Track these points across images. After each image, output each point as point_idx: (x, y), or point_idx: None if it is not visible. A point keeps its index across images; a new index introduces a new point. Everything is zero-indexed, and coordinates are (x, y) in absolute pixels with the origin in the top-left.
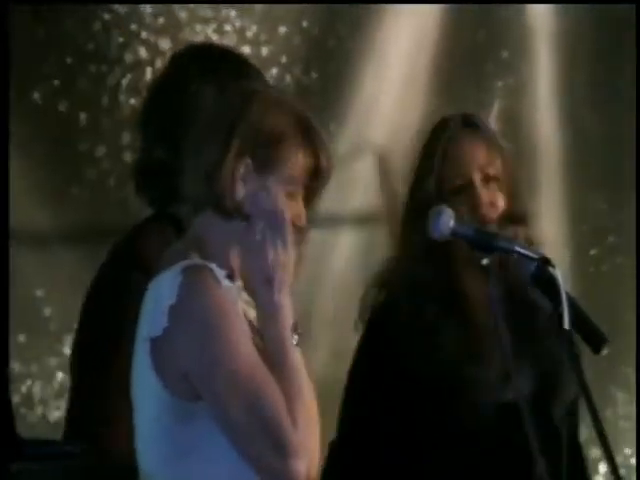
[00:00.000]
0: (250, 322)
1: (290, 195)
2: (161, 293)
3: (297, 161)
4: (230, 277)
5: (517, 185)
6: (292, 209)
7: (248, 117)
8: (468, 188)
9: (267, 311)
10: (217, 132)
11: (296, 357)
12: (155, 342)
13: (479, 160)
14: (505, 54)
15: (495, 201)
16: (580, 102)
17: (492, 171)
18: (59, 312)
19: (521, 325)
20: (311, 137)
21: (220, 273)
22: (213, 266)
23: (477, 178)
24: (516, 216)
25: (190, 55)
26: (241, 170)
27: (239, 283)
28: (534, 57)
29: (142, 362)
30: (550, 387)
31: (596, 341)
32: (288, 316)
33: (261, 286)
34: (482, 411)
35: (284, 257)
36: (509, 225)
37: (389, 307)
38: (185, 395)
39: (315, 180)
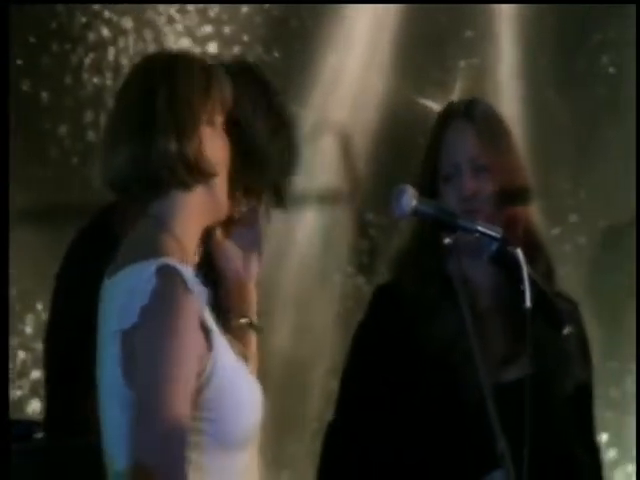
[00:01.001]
0: (207, 329)
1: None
2: (133, 289)
3: (216, 96)
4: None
5: (516, 168)
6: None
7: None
8: (457, 177)
9: None
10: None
11: None
12: (125, 336)
13: (469, 150)
14: (468, 34)
15: (482, 191)
16: (543, 82)
17: (483, 161)
18: (22, 292)
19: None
20: (212, 72)
21: (192, 279)
22: (187, 271)
23: (466, 167)
24: (510, 196)
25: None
26: (204, 135)
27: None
28: (497, 37)
29: (110, 355)
30: (550, 370)
31: (557, 321)
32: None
33: None
34: (479, 392)
35: None
36: (506, 206)
37: (391, 289)
38: None
39: None
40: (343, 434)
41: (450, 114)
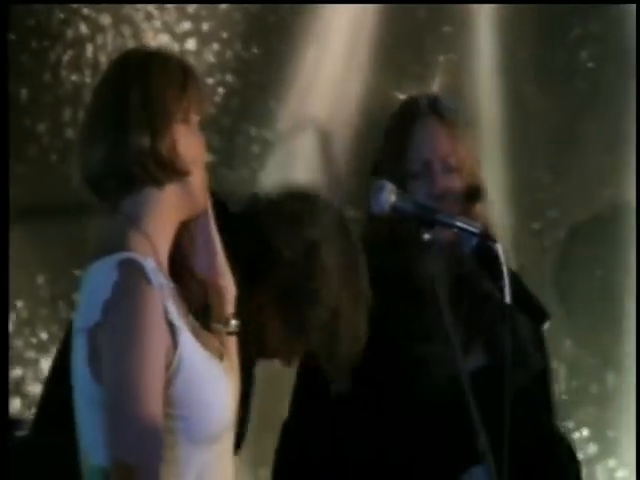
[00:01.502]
0: (172, 324)
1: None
2: (96, 285)
3: (191, 94)
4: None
5: (475, 165)
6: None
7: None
8: (427, 174)
9: None
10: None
11: None
12: (89, 334)
13: (441, 149)
14: (447, 29)
15: (452, 189)
16: (522, 77)
17: (453, 160)
18: None
19: (476, 301)
20: (187, 70)
21: (154, 272)
22: (148, 263)
23: (437, 166)
24: (473, 194)
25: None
26: (178, 133)
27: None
28: (476, 32)
29: (79, 354)
30: (507, 359)
31: (538, 315)
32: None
33: None
34: (436, 384)
35: None
36: (469, 204)
37: None
38: None
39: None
40: (295, 433)
41: (416, 109)
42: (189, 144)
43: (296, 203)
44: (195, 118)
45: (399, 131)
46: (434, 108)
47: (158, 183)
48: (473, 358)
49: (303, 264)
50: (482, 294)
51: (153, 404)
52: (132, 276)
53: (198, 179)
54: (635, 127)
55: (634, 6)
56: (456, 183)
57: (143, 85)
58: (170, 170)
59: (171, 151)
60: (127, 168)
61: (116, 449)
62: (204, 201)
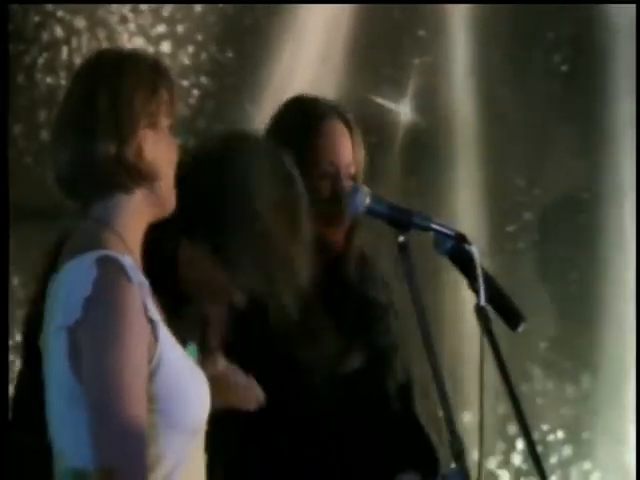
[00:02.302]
0: (151, 320)
1: (170, 128)
2: (75, 282)
3: (166, 96)
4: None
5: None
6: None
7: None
8: (333, 177)
9: None
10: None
11: None
12: (69, 332)
13: (346, 156)
14: (422, 32)
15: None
16: (496, 79)
17: (352, 170)
18: None
19: (354, 310)
20: (164, 69)
21: (133, 269)
22: (126, 261)
23: (343, 171)
24: None
25: None
26: (145, 138)
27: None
28: (451, 35)
29: (57, 351)
30: (382, 364)
31: (513, 318)
32: None
33: None
34: (321, 385)
35: None
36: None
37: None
38: None
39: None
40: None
41: (323, 111)
42: (157, 149)
43: (231, 142)
44: (165, 122)
45: (307, 128)
46: (340, 114)
47: (126, 189)
48: (353, 360)
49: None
50: (365, 298)
51: (135, 404)
52: (112, 273)
53: (168, 182)
54: (635, 127)
55: (611, 6)
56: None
57: (112, 88)
58: (137, 176)
59: (137, 157)
60: (95, 173)
61: (98, 451)
62: (172, 202)
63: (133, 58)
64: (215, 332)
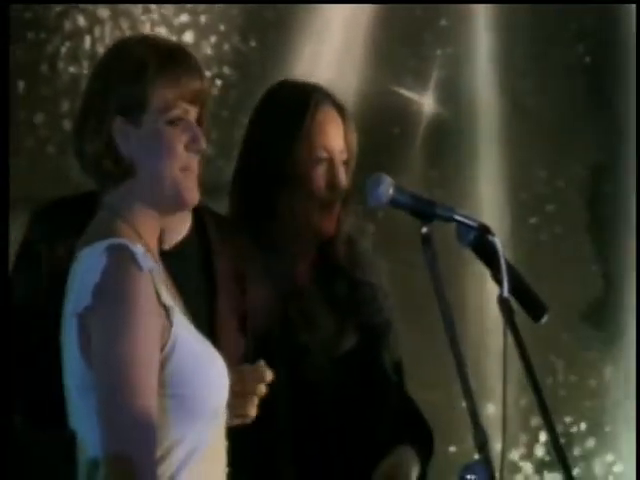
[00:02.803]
0: (165, 306)
1: (177, 121)
2: (86, 270)
3: (165, 88)
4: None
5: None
6: (182, 135)
7: (88, 83)
8: (327, 163)
9: None
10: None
11: None
12: (80, 319)
13: (339, 142)
14: (444, 23)
15: (344, 184)
16: (519, 70)
17: (345, 157)
18: None
19: (346, 292)
20: (174, 61)
21: (143, 256)
22: (137, 248)
23: (337, 158)
24: (348, 197)
25: None
26: (114, 131)
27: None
28: (473, 25)
29: (70, 340)
30: (377, 343)
31: (536, 310)
32: None
33: None
34: (319, 366)
35: None
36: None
37: None
38: None
39: (196, 103)
40: None
41: (317, 96)
42: (137, 143)
43: None
44: (176, 111)
45: (302, 114)
46: (333, 101)
47: (115, 180)
48: (348, 340)
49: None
50: (356, 280)
51: (143, 392)
52: (121, 260)
53: (169, 172)
54: (635, 127)
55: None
56: (345, 179)
57: (102, 82)
58: (119, 170)
59: (107, 153)
60: (91, 165)
61: (105, 440)
62: (185, 198)
63: (122, 49)
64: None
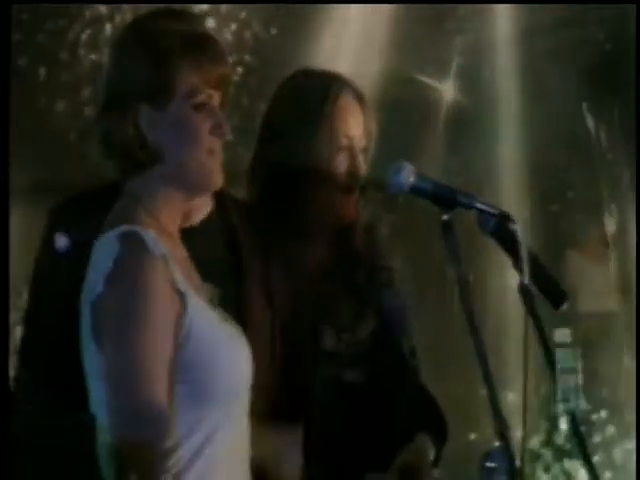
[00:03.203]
0: (179, 291)
1: (200, 106)
2: (99, 259)
3: (190, 74)
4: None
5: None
6: (207, 120)
7: (111, 70)
8: (349, 150)
9: None
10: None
11: None
12: (92, 306)
13: (359, 130)
14: (463, 11)
15: (363, 169)
16: (540, 58)
17: (364, 144)
18: (16, 274)
19: (365, 277)
20: (199, 47)
21: (155, 242)
22: (148, 235)
23: (357, 145)
24: (367, 184)
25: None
26: (140, 119)
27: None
28: (492, 13)
29: (85, 325)
30: (396, 327)
31: (557, 297)
32: None
33: None
34: (339, 352)
35: None
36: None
37: None
38: None
39: (221, 87)
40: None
41: (337, 85)
42: (163, 128)
43: None
44: (201, 97)
45: (321, 102)
46: (354, 88)
47: (137, 168)
48: (368, 325)
49: None
50: (374, 265)
51: (155, 377)
52: (133, 247)
53: (198, 156)
54: (635, 126)
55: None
56: (364, 166)
57: (120, 68)
58: (143, 156)
59: (134, 139)
60: (112, 150)
61: (117, 424)
62: (211, 181)
63: (141, 34)
64: None
